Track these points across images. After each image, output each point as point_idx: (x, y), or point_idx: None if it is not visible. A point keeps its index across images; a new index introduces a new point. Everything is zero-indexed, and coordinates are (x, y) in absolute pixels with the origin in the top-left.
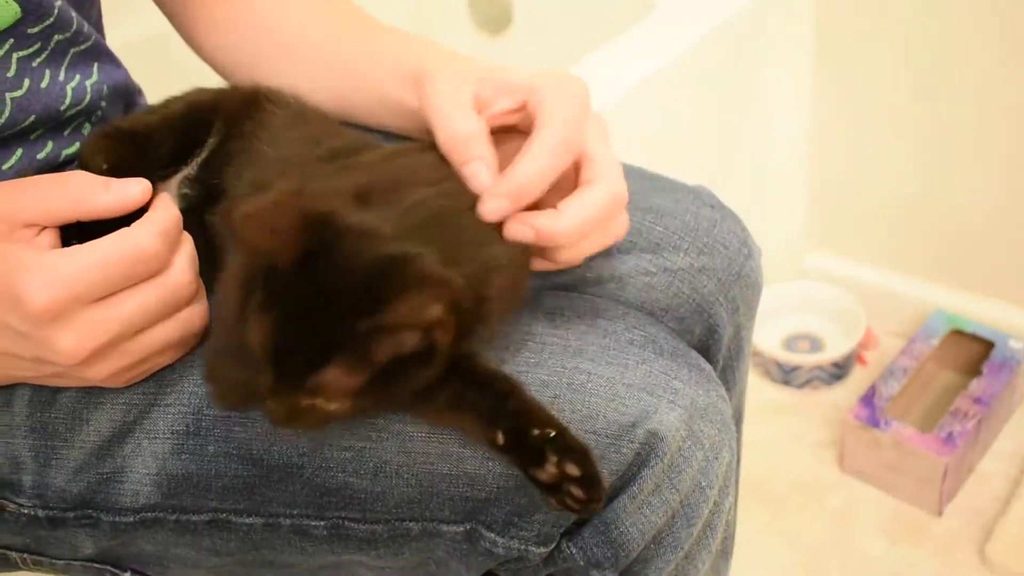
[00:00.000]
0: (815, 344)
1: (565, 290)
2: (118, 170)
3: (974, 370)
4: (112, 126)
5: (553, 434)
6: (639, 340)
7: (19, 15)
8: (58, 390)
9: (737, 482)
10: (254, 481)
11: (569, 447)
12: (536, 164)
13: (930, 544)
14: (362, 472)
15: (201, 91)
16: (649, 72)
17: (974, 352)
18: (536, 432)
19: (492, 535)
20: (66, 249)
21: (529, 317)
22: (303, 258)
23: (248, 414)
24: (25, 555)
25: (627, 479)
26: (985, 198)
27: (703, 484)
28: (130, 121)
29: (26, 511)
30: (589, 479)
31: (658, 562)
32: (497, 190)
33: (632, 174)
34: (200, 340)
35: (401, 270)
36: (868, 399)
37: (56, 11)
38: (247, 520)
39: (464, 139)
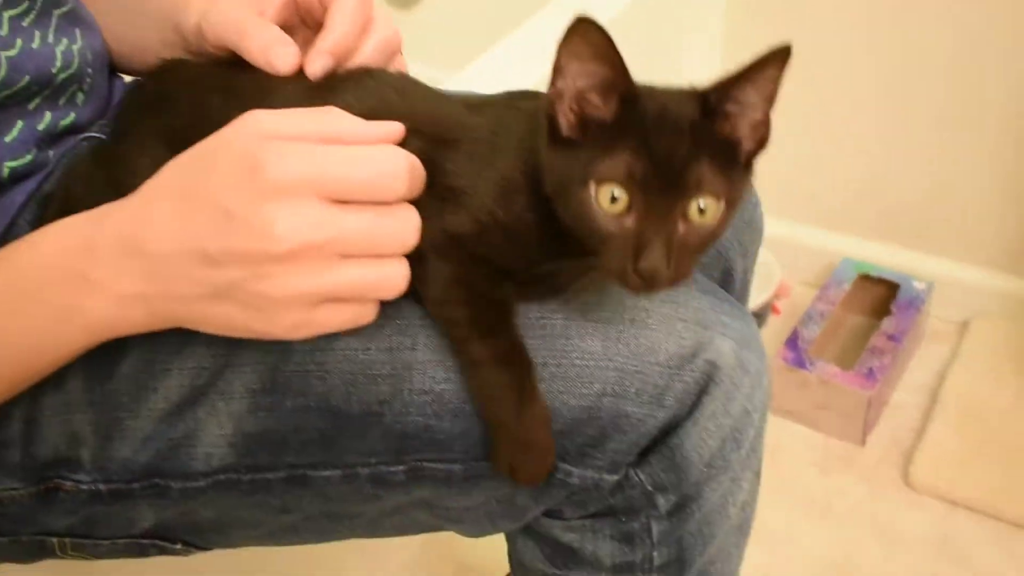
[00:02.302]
0: None
1: None
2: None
3: (882, 311)
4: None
5: None
6: None
7: None
8: (116, 362)
9: None
10: (333, 433)
11: None
12: (345, 19)
13: (857, 472)
14: (442, 413)
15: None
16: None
17: (880, 295)
18: None
19: (566, 466)
20: (320, 143)
21: None
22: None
23: (326, 365)
24: (67, 540)
25: (690, 406)
26: (881, 151)
27: (749, 409)
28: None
29: (85, 487)
30: None
31: (712, 484)
32: (320, 46)
33: None
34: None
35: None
36: (793, 343)
37: None
38: (324, 473)
39: (260, 29)
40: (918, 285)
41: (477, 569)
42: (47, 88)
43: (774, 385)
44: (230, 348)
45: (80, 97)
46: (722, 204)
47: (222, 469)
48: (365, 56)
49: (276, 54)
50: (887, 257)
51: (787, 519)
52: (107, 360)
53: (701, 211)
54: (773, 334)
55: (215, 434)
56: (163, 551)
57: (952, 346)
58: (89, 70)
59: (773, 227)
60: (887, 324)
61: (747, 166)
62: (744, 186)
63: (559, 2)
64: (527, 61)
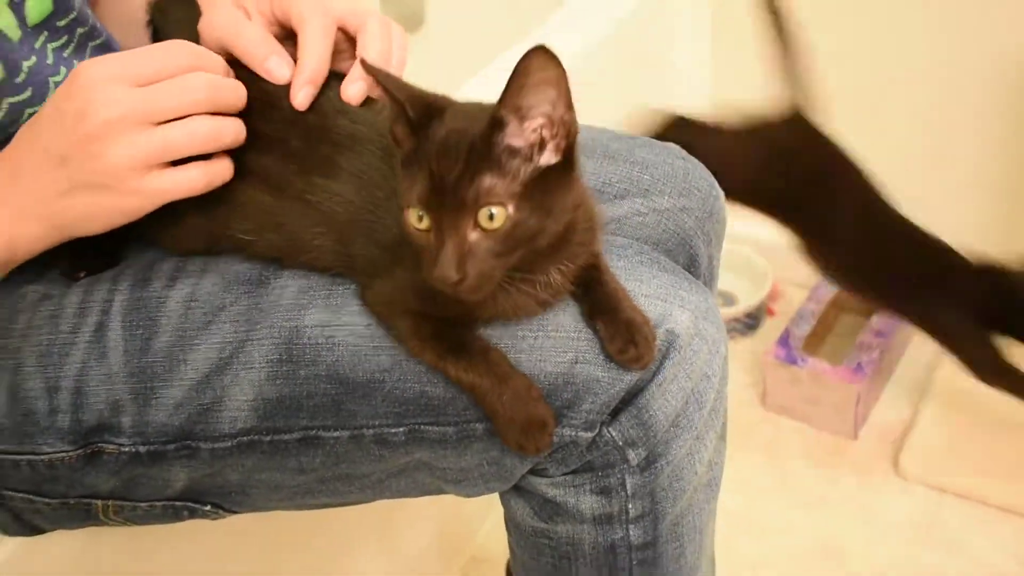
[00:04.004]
0: (728, 300)
1: None
2: None
3: (871, 310)
4: None
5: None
6: (647, 261)
7: (50, 10)
8: (151, 339)
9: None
10: (341, 398)
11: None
12: (316, 49)
13: (849, 464)
14: (436, 380)
15: None
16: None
17: None
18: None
19: None
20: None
21: None
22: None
23: (334, 338)
24: (109, 503)
25: (653, 371)
26: (866, 153)
27: (708, 373)
28: None
29: (126, 449)
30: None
31: (677, 442)
32: (299, 81)
33: (616, 136)
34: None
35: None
36: (784, 340)
37: (77, 5)
38: (334, 434)
39: (256, 42)
40: None
41: (488, 560)
42: None
43: (767, 381)
44: (250, 325)
45: None
46: (511, 208)
47: (245, 431)
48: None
49: (273, 63)
50: None
51: (781, 508)
52: (143, 337)
53: (491, 217)
54: (768, 335)
55: (239, 400)
56: (194, 513)
57: None
58: None
59: (765, 231)
60: (875, 321)
61: (567, 161)
62: (565, 180)
63: (553, 22)
64: None
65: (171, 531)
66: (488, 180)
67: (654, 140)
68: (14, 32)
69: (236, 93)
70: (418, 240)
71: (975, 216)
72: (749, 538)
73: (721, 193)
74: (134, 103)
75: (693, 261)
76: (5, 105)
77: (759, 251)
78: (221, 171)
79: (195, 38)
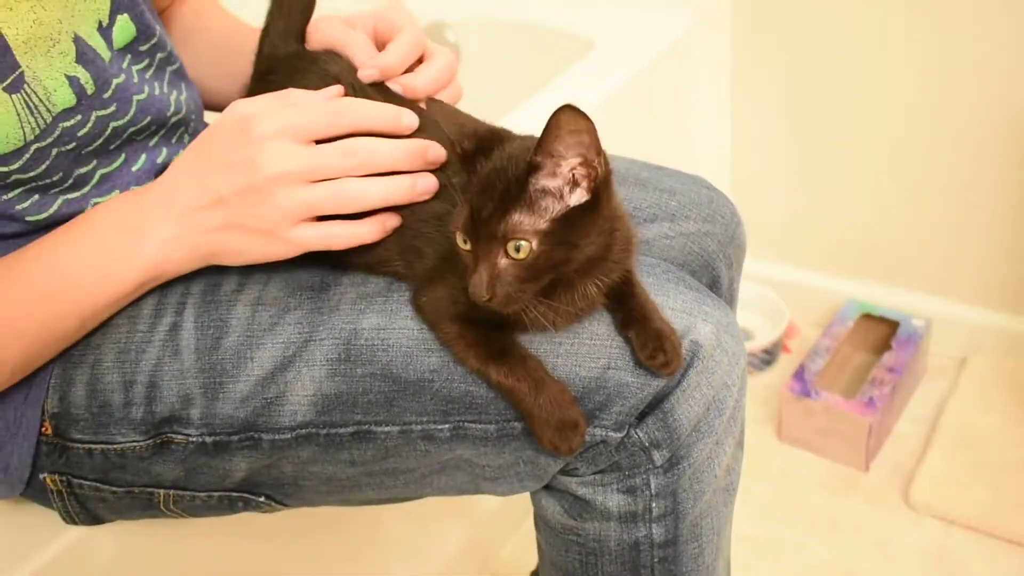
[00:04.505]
0: (746, 336)
1: None
2: None
3: (884, 347)
4: None
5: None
6: (673, 279)
7: (134, 35)
8: (221, 338)
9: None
10: (393, 395)
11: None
12: (398, 51)
13: (860, 495)
14: (480, 381)
15: None
16: (589, 107)
17: (883, 332)
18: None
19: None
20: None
21: None
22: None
23: (389, 340)
24: (170, 492)
25: (678, 378)
26: (882, 201)
27: (728, 383)
28: None
29: (193, 440)
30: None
31: (699, 445)
32: (369, 64)
33: (646, 166)
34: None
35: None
36: (799, 375)
37: (157, 32)
38: (385, 429)
39: (361, 45)
40: (916, 322)
41: None
42: (163, 128)
43: (783, 414)
44: (312, 326)
45: (187, 138)
46: (534, 243)
47: (304, 424)
48: (421, 80)
49: (367, 65)
50: (889, 298)
51: (796, 535)
52: (214, 336)
53: (518, 249)
54: (783, 371)
55: (300, 395)
56: (248, 505)
57: (951, 381)
58: (193, 116)
59: (782, 271)
60: (887, 358)
61: (595, 199)
62: (593, 216)
63: (582, 65)
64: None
65: (211, 532)
66: (516, 217)
67: (683, 172)
68: (105, 53)
69: (395, 156)
70: (463, 257)
71: (996, 278)
72: (766, 562)
73: (741, 220)
74: (299, 162)
75: (715, 281)
76: (93, 117)
77: (776, 290)
78: (367, 233)
79: (296, 26)
